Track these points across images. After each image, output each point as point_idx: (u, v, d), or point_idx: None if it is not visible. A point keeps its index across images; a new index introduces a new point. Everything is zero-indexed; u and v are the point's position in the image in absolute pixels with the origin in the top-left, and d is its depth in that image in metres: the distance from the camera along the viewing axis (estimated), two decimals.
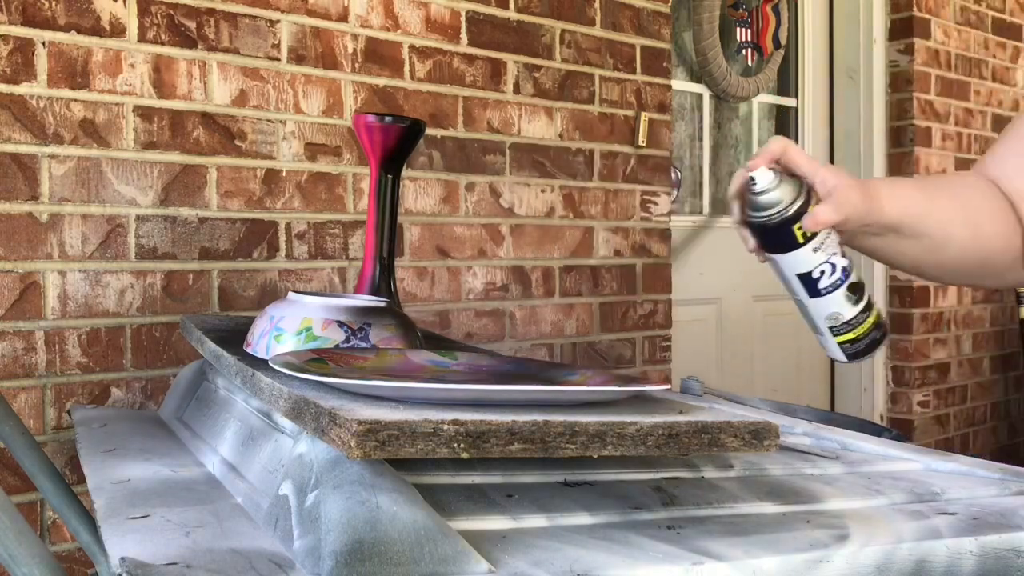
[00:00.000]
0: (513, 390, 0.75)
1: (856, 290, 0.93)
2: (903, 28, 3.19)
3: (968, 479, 0.96)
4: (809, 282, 0.92)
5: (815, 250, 0.90)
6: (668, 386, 0.91)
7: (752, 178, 0.90)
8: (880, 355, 3.21)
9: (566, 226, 2.23)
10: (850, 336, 0.94)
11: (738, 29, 3.01)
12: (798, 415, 1.57)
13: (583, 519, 0.74)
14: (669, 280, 2.45)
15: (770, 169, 0.90)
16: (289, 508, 0.68)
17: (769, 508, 0.81)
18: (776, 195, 0.90)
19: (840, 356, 0.96)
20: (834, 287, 0.92)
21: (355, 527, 0.62)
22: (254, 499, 0.79)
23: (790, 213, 0.89)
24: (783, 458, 0.97)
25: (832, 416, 2.01)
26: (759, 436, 0.73)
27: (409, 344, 1.03)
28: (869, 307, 0.94)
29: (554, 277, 2.20)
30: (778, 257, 0.92)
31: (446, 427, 0.64)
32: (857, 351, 0.95)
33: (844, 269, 0.92)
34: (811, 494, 0.86)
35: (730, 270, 2.93)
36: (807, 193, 0.90)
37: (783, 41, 3.08)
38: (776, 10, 3.06)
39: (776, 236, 0.91)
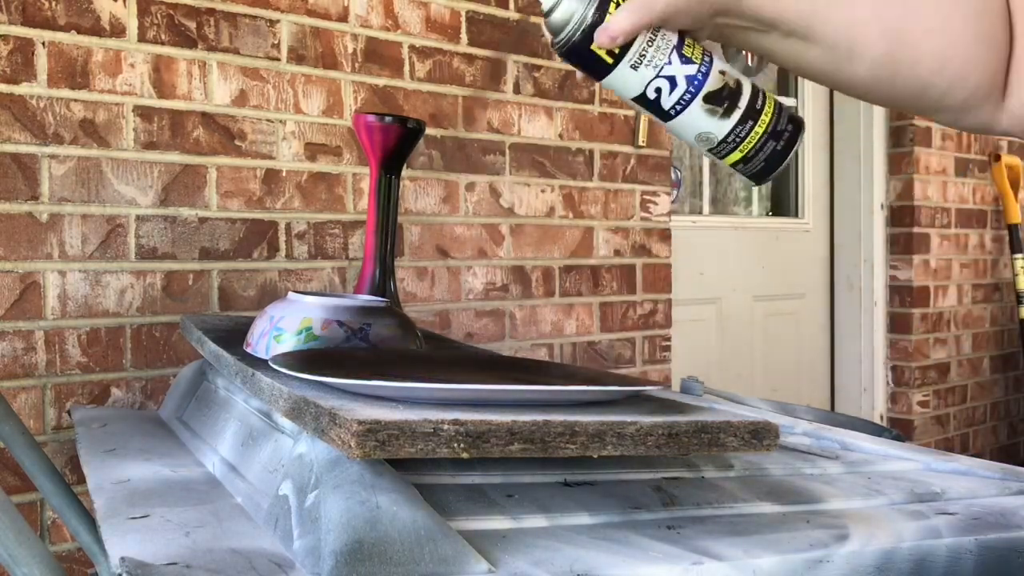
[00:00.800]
0: (513, 390, 0.75)
1: (718, 99, 0.72)
2: None
3: (968, 479, 0.96)
4: (650, 105, 0.73)
5: (634, 67, 0.71)
6: (667, 385, 0.90)
7: None
8: (880, 355, 3.21)
9: (566, 226, 2.23)
10: (737, 156, 0.74)
11: None
12: (798, 415, 1.57)
13: (583, 519, 0.74)
14: (669, 280, 2.45)
15: None
16: (289, 508, 0.68)
17: (769, 508, 0.81)
18: (565, 10, 0.72)
19: (745, 180, 0.77)
20: (683, 104, 0.72)
21: (355, 527, 0.62)
22: (254, 499, 0.79)
23: (582, 31, 0.71)
24: (783, 458, 0.97)
25: (832, 416, 2.01)
26: (759, 436, 0.73)
27: (409, 344, 1.03)
28: (752, 114, 0.73)
29: (554, 277, 2.20)
30: (604, 83, 0.73)
31: (446, 427, 0.64)
32: (756, 171, 0.75)
33: (691, 77, 0.72)
34: (811, 494, 0.86)
35: (730, 270, 2.93)
36: None
37: None
38: None
39: (583, 60, 0.72)
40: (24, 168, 1.50)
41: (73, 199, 1.54)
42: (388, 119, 1.25)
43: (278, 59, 1.77)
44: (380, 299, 1.08)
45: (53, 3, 1.53)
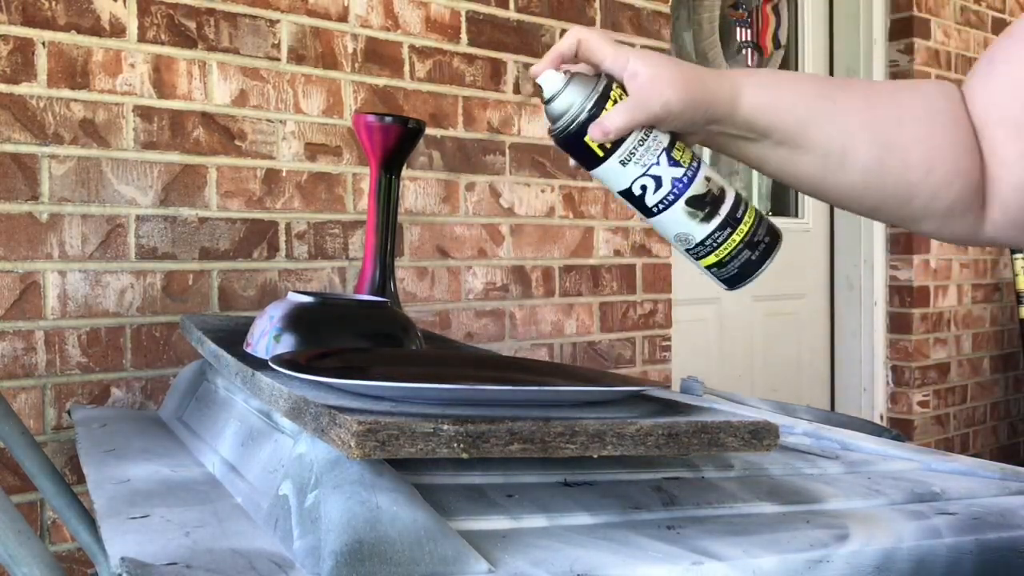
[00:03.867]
0: (513, 390, 0.75)
1: (700, 204, 0.75)
2: (903, 28, 3.19)
3: (968, 479, 0.96)
4: (634, 200, 0.76)
5: (623, 163, 0.74)
6: (667, 385, 0.90)
7: (539, 84, 0.76)
8: (880, 355, 3.21)
9: (566, 226, 2.23)
10: (712, 260, 0.78)
11: (738, 29, 3.01)
12: (798, 415, 1.57)
13: (583, 519, 0.74)
14: (669, 280, 2.45)
15: (561, 70, 0.76)
16: (289, 508, 0.68)
17: (769, 508, 0.81)
18: (564, 101, 0.75)
19: (718, 284, 0.80)
20: (666, 204, 0.75)
21: (355, 527, 0.62)
22: (254, 499, 0.79)
23: (579, 122, 0.74)
24: (783, 458, 0.97)
25: (832, 416, 2.01)
26: (759, 436, 0.73)
27: (409, 344, 1.03)
28: (732, 222, 0.76)
29: (554, 277, 2.20)
30: (593, 173, 0.77)
31: (446, 427, 0.64)
32: (729, 276, 0.79)
33: (677, 180, 0.74)
34: (811, 494, 0.86)
35: None
36: (604, 93, 0.74)
37: (783, 41, 3.08)
38: (776, 10, 3.06)
39: (576, 150, 0.76)
40: (24, 168, 1.50)
41: (73, 199, 1.54)
42: (388, 119, 1.25)
43: (278, 59, 1.77)
44: (380, 299, 1.08)
45: (53, 3, 1.53)
